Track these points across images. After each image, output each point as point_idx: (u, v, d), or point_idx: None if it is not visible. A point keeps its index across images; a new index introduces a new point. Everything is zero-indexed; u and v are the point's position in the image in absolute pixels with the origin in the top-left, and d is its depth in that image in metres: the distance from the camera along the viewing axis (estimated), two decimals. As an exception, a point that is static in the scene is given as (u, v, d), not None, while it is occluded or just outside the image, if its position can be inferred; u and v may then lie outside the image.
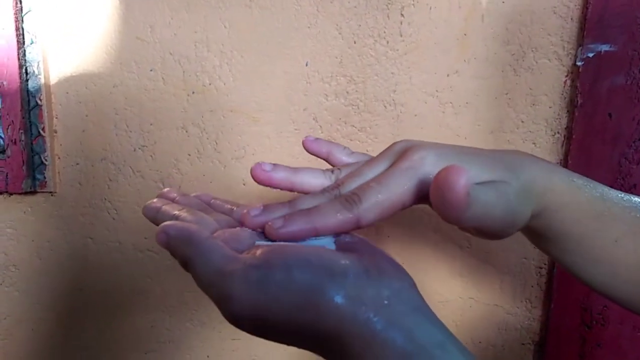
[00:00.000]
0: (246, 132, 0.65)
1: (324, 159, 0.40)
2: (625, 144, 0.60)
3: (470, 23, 0.60)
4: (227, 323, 0.73)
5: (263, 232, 0.32)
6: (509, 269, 0.65)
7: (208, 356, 0.71)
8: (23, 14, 0.64)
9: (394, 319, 0.25)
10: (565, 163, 0.61)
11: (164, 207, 0.35)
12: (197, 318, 0.70)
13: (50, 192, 0.68)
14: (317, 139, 0.40)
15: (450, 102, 0.62)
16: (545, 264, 0.65)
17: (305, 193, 0.35)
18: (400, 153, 0.34)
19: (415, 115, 0.63)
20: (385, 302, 0.26)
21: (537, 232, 0.38)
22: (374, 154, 0.64)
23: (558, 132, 0.61)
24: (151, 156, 0.66)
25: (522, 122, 0.61)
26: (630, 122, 0.60)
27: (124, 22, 0.64)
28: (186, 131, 0.65)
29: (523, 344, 0.66)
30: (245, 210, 0.33)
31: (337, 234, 0.31)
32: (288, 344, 0.28)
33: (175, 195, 0.39)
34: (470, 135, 0.62)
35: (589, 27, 0.58)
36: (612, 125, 0.60)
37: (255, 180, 0.35)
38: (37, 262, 0.70)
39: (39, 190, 0.68)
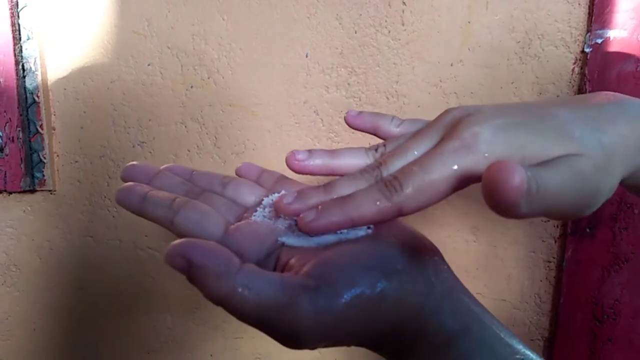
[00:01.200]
0: (246, 127, 0.64)
1: (372, 134, 0.36)
2: (635, 133, 0.58)
3: (474, 10, 0.58)
4: (229, 321, 0.72)
5: (279, 219, 0.30)
6: (516, 263, 0.64)
7: (211, 355, 0.70)
8: (19, 10, 0.63)
9: (439, 302, 0.26)
10: (573, 153, 0.60)
11: (150, 193, 0.30)
12: (199, 317, 0.69)
13: (50, 191, 0.68)
14: (360, 113, 0.36)
15: (455, 92, 0.60)
16: (554, 258, 0.63)
17: None
18: (451, 126, 0.29)
19: (419, 107, 0.61)
20: (430, 286, 0.26)
21: (633, 189, 0.33)
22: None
23: (566, 122, 0.60)
24: (150, 152, 0.65)
25: (529, 111, 0.60)
26: (640, 110, 0.58)
27: (121, 16, 0.63)
28: (185, 126, 0.64)
29: (532, 339, 0.65)
30: (278, 197, 0.30)
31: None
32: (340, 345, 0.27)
33: (148, 171, 0.33)
34: (476, 126, 0.61)
35: (597, 12, 0.56)
36: (622, 114, 0.58)
37: (291, 170, 0.32)
38: (37, 261, 0.69)
39: (38, 189, 0.67)
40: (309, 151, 0.32)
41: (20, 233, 0.69)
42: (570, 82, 0.59)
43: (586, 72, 0.58)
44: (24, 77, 0.65)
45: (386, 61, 0.61)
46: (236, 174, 0.36)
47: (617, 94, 0.31)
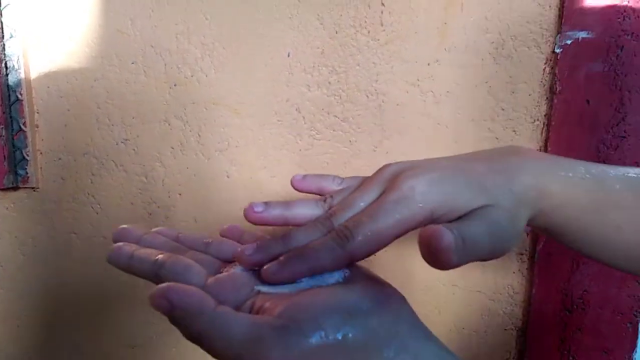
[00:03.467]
0: (229, 124, 0.65)
1: (316, 194, 0.39)
2: (603, 130, 0.61)
3: (450, 12, 0.60)
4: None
5: (257, 272, 0.31)
6: (492, 256, 0.66)
7: (194, 350, 0.71)
8: (2, 8, 0.64)
9: (402, 345, 0.27)
10: (545, 149, 0.62)
11: (136, 252, 0.32)
12: (183, 311, 0.70)
13: (33, 188, 0.68)
14: (304, 176, 0.39)
15: (432, 91, 0.62)
16: (526, 250, 0.65)
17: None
18: (390, 180, 0.33)
19: (397, 105, 0.63)
20: (393, 329, 0.27)
21: (538, 229, 0.38)
22: (357, 144, 0.64)
23: (538, 119, 0.62)
24: (134, 150, 0.66)
25: (503, 109, 0.62)
26: (607, 108, 0.61)
27: (104, 15, 0.63)
28: (169, 124, 0.65)
29: (505, 329, 0.67)
30: (239, 249, 0.32)
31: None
32: None
33: (137, 233, 0.36)
34: (452, 124, 0.63)
35: (566, 14, 0.59)
36: (590, 112, 0.61)
37: (249, 222, 0.34)
38: (20, 258, 0.70)
39: (21, 186, 0.67)
40: (266, 203, 0.35)
41: (3, 230, 0.69)
42: (541, 81, 0.61)
43: (556, 71, 0.60)
44: (7, 75, 0.65)
45: (366, 60, 0.62)
46: (220, 235, 0.39)
47: (521, 147, 0.38)
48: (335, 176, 0.39)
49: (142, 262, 0.31)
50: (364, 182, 0.36)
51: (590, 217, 0.36)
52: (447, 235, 0.27)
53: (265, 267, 0.30)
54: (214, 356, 0.26)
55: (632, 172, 0.38)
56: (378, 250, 0.31)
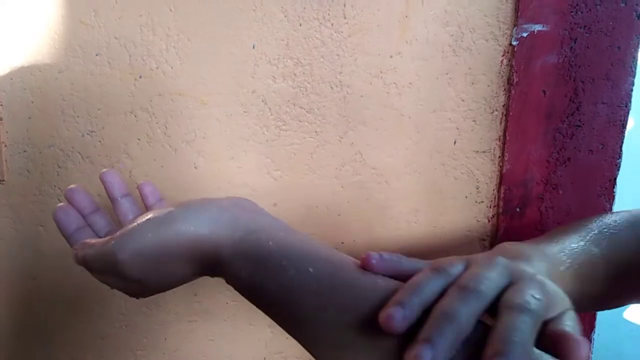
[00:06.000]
0: (195, 116, 0.65)
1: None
2: (558, 119, 0.63)
3: (411, 5, 0.62)
4: (183, 305, 0.74)
5: None
6: (454, 241, 0.68)
7: (165, 339, 0.72)
8: (-39, -1, 0.63)
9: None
10: (504, 138, 0.64)
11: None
12: (152, 301, 0.70)
13: (-2, 181, 0.68)
14: (381, 256, 0.37)
15: (394, 83, 0.64)
16: (488, 236, 0.68)
17: None
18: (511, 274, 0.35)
19: (361, 97, 0.64)
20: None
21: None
22: (323, 135, 0.65)
23: (496, 110, 0.64)
24: (100, 142, 0.66)
25: (463, 100, 0.64)
26: (562, 99, 0.63)
27: (68, 6, 0.63)
28: (135, 116, 0.65)
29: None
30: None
31: None
32: None
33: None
34: (414, 114, 0.64)
35: (522, 7, 0.61)
36: (546, 102, 0.63)
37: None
38: (-14, 251, 0.69)
39: (-15, 179, 0.67)
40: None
41: (-32, 224, 0.69)
42: (499, 73, 0.63)
43: (513, 63, 0.62)
44: (-32, 66, 0.64)
45: (330, 53, 0.63)
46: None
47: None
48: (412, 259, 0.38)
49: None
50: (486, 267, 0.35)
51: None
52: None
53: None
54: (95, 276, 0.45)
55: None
56: None
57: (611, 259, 0.46)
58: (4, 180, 0.68)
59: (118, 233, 0.40)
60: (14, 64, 0.65)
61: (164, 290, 0.44)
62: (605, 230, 0.49)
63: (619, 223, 0.50)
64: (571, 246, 0.46)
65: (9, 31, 0.64)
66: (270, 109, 0.65)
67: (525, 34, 0.61)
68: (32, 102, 0.66)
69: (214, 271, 0.40)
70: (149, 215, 0.40)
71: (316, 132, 0.66)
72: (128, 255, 0.38)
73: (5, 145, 0.67)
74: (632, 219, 0.51)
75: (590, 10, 0.61)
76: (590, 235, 0.48)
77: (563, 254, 0.44)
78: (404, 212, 0.68)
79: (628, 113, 0.63)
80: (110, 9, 0.63)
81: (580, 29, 0.61)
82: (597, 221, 0.51)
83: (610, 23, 0.61)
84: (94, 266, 0.42)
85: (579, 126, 0.64)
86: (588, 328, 0.69)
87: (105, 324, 0.71)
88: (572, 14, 0.61)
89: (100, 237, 0.48)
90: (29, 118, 0.66)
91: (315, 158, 0.66)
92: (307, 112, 0.65)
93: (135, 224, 0.40)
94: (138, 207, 0.53)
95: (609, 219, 0.51)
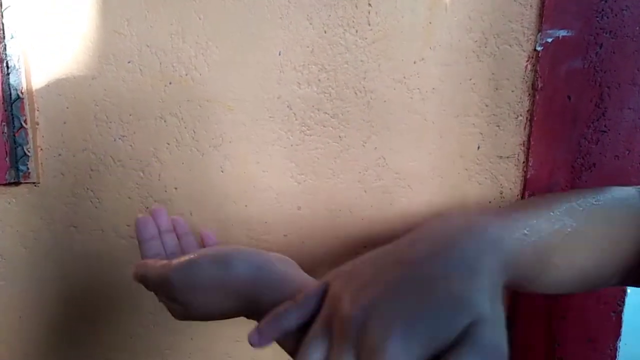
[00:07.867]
0: (222, 121, 0.67)
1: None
2: (584, 125, 0.63)
3: (435, 12, 0.62)
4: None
5: None
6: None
7: (192, 339, 0.74)
8: (3, 10, 0.66)
9: None
10: (528, 144, 0.64)
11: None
12: (179, 302, 0.72)
13: (34, 183, 0.70)
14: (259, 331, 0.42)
15: (418, 88, 0.64)
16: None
17: None
18: (362, 335, 0.33)
19: (385, 102, 0.65)
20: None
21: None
22: (347, 140, 0.66)
23: (520, 115, 0.64)
24: (131, 146, 0.69)
25: (486, 106, 0.64)
26: (587, 104, 0.63)
27: (102, 16, 0.66)
28: (164, 121, 0.68)
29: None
30: None
31: None
32: None
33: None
34: (437, 120, 0.65)
35: (546, 13, 0.61)
36: (571, 107, 0.63)
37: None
38: (22, 251, 0.72)
39: (22, 181, 0.70)
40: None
41: (4, 224, 0.72)
42: (523, 78, 0.63)
43: (538, 69, 0.62)
44: (8, 74, 0.67)
45: (354, 59, 0.64)
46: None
47: (464, 225, 0.39)
48: (288, 308, 0.40)
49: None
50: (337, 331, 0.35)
51: (537, 268, 0.41)
52: None
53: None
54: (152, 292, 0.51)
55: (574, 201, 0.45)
56: None
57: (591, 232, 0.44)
58: (39, 183, 0.70)
59: (175, 261, 0.46)
60: (51, 71, 0.67)
61: (206, 319, 0.47)
62: (584, 204, 0.46)
63: (601, 199, 0.47)
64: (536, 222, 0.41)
65: (47, 40, 0.67)
66: (295, 114, 0.66)
67: (549, 40, 0.62)
68: (67, 107, 0.68)
69: (254, 315, 0.45)
70: (208, 252, 0.47)
71: (340, 136, 0.67)
72: (184, 285, 0.45)
73: (41, 149, 0.70)
74: (617, 194, 0.49)
75: (616, 15, 0.60)
76: (563, 207, 0.44)
77: (526, 230, 0.40)
78: (427, 217, 0.68)
79: (655, 118, 0.62)
80: (143, 18, 0.65)
81: (606, 34, 0.61)
82: (568, 195, 0.47)
83: (637, 28, 0.60)
84: (149, 285, 0.50)
85: (604, 131, 0.63)
86: (614, 335, 0.68)
87: (135, 323, 0.73)
88: (598, 19, 0.60)
89: (166, 255, 0.55)
90: (64, 123, 0.69)
91: (338, 162, 0.67)
92: (331, 117, 0.66)
93: (194, 256, 0.46)
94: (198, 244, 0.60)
95: (585, 193, 0.48)
